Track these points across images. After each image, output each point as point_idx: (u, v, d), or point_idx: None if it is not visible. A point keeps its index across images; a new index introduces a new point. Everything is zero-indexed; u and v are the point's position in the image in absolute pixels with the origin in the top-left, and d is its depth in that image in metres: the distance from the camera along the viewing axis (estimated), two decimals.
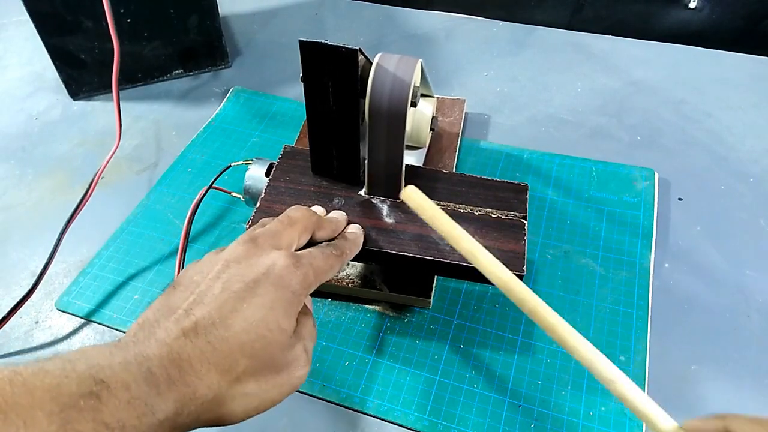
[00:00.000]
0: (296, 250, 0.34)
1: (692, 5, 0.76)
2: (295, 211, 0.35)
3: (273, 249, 0.31)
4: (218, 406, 0.26)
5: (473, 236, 0.38)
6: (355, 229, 0.40)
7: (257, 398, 0.27)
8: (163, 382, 0.24)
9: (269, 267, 0.29)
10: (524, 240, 0.40)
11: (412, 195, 0.34)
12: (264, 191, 0.44)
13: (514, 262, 0.39)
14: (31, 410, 0.20)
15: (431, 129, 0.55)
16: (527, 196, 0.43)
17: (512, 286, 0.31)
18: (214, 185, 0.51)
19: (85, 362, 0.23)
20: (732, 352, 0.43)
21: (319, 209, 0.40)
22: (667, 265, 0.49)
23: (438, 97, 0.62)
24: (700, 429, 0.26)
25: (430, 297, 0.46)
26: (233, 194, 0.53)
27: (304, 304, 0.32)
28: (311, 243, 0.36)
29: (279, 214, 0.40)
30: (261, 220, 0.36)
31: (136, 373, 0.23)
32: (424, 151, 0.56)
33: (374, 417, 0.41)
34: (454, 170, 0.56)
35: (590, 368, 0.29)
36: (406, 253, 0.40)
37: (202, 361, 0.25)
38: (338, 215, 0.40)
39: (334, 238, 0.38)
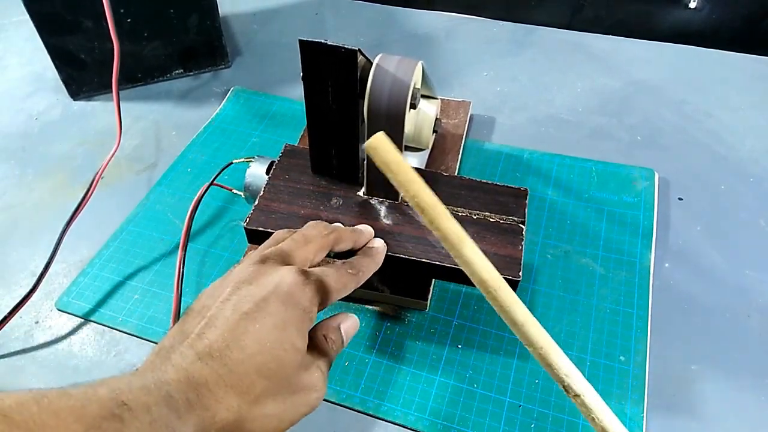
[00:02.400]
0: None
1: (692, 5, 0.76)
2: (311, 229, 0.34)
3: (282, 266, 0.30)
4: (239, 428, 0.26)
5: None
6: (378, 245, 0.38)
7: (276, 419, 0.27)
8: (182, 405, 0.24)
9: (277, 284, 0.29)
10: (521, 245, 0.40)
11: (378, 146, 0.27)
12: (263, 189, 0.44)
13: (510, 267, 0.38)
14: (58, 431, 0.20)
15: (434, 131, 0.54)
16: (526, 201, 0.42)
17: (466, 254, 0.29)
18: (215, 182, 0.51)
19: (107, 387, 0.23)
20: (732, 352, 0.43)
21: (340, 226, 0.38)
22: (667, 265, 0.49)
23: (443, 99, 0.62)
24: None
25: (426, 299, 0.46)
26: (234, 191, 0.53)
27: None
28: (333, 256, 0.35)
29: (277, 213, 0.40)
30: (275, 233, 0.35)
31: (156, 396, 0.23)
32: (426, 153, 0.55)
33: (374, 417, 0.41)
34: (456, 172, 0.56)
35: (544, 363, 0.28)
36: (402, 255, 0.39)
37: (219, 383, 0.25)
38: (364, 228, 0.39)
39: (354, 252, 0.37)
